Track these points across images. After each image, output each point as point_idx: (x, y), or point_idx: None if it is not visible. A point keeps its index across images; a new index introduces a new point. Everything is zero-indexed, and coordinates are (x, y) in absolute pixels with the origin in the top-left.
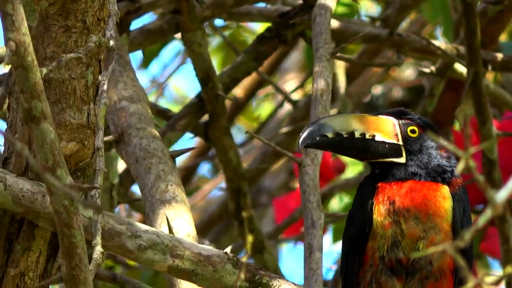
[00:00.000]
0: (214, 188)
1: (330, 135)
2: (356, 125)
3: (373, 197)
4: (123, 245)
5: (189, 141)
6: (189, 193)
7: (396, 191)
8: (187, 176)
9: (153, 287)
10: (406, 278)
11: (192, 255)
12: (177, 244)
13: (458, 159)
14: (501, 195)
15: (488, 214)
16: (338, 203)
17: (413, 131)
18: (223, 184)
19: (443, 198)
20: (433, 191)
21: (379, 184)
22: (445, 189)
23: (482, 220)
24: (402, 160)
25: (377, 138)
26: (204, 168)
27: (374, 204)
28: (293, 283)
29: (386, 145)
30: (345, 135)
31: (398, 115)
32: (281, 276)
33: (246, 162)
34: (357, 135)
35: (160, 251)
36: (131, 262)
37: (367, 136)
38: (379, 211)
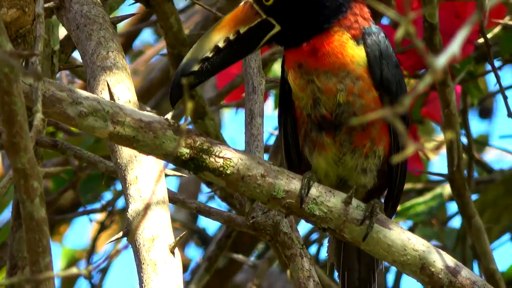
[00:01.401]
0: (156, 53)
1: (196, 67)
2: (215, 36)
3: (284, 66)
4: (64, 112)
5: (130, 7)
6: (131, 59)
7: (298, 54)
8: (129, 42)
9: (94, 154)
10: (335, 132)
11: (132, 121)
12: (118, 110)
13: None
14: (440, 61)
15: (427, 79)
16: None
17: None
18: (165, 50)
19: (342, 46)
20: (328, 43)
21: (284, 53)
22: (339, 35)
23: (421, 86)
24: (277, 28)
25: (242, 31)
26: (147, 34)
27: (286, 71)
28: (234, 149)
29: (254, 29)
30: (210, 55)
31: None
32: (222, 142)
33: (187, 28)
34: (221, 45)
35: (101, 117)
36: (73, 129)
37: (232, 38)
38: (291, 76)
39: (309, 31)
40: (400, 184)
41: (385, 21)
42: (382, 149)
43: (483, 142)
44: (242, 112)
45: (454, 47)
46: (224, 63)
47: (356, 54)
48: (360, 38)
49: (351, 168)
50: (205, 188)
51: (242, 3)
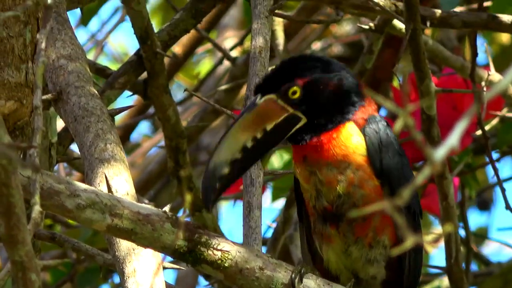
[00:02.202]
0: (154, 145)
1: (226, 170)
2: (242, 137)
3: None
4: (62, 204)
5: (128, 99)
6: (128, 151)
7: (304, 148)
8: (126, 134)
9: (92, 246)
10: (338, 223)
11: (131, 214)
12: (116, 203)
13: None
14: (439, 153)
15: (426, 172)
16: (278, 160)
17: (294, 93)
18: (163, 142)
19: (346, 138)
20: (334, 137)
21: (293, 146)
22: (346, 128)
23: (420, 179)
24: (303, 121)
25: (269, 128)
26: (144, 126)
27: (294, 164)
28: (232, 241)
29: (282, 124)
30: (239, 156)
31: (274, 87)
32: (220, 234)
33: (185, 120)
34: (249, 144)
35: (99, 210)
36: (71, 221)
37: (259, 136)
38: (297, 169)
39: (327, 125)
40: (412, 276)
41: (383, 112)
42: (387, 239)
43: (481, 235)
44: (240, 205)
45: (453, 139)
46: (252, 161)
47: (359, 145)
48: (363, 127)
49: (357, 259)
50: (203, 281)
51: (262, 100)
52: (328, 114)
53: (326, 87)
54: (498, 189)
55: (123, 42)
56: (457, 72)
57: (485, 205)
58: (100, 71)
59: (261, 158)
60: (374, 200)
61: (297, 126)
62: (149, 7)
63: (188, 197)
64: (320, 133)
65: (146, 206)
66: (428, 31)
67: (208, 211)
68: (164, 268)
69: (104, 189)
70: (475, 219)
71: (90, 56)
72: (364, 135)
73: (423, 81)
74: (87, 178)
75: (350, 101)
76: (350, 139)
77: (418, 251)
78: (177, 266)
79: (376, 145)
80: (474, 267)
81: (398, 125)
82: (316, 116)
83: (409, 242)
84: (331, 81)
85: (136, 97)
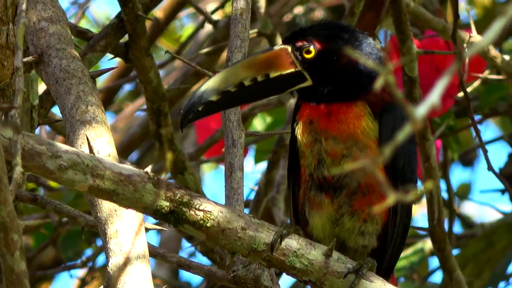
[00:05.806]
0: (136, 109)
1: (214, 98)
2: (243, 73)
3: (296, 116)
4: (43, 165)
5: (110, 62)
6: (111, 114)
7: (313, 111)
8: (109, 98)
9: (74, 208)
10: (334, 193)
11: (112, 174)
12: (97, 164)
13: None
14: (420, 111)
15: (407, 130)
16: (261, 123)
17: (308, 52)
18: (145, 106)
19: (357, 118)
20: (345, 112)
21: (300, 103)
22: (360, 107)
23: (401, 136)
24: (309, 83)
25: (272, 75)
26: (127, 89)
27: (297, 122)
28: (214, 202)
29: (285, 77)
30: (233, 90)
31: (291, 40)
32: (202, 195)
33: (167, 84)
34: (247, 83)
35: (80, 171)
36: (54, 184)
37: (260, 79)
38: (300, 130)
39: (335, 96)
40: (396, 249)
41: None
42: (379, 218)
43: (464, 196)
44: (222, 169)
45: (433, 97)
46: (244, 100)
47: (368, 127)
48: (379, 113)
49: (349, 230)
50: (186, 244)
51: (277, 48)
52: (336, 86)
53: (341, 59)
54: (481, 151)
55: (106, 10)
56: (439, 35)
57: (468, 161)
58: (81, 33)
59: (251, 101)
60: (375, 182)
61: (300, 86)
62: None
63: (169, 156)
64: (331, 102)
65: (128, 167)
66: None
67: (181, 129)
68: (147, 229)
69: (86, 151)
70: (458, 175)
71: (72, 21)
72: (381, 119)
73: (405, 43)
74: (68, 140)
75: (362, 80)
76: (360, 120)
77: (404, 228)
78: (159, 227)
79: (389, 130)
80: (457, 229)
81: (379, 83)
82: (323, 83)
83: (391, 198)
84: (348, 56)
85: (118, 60)
